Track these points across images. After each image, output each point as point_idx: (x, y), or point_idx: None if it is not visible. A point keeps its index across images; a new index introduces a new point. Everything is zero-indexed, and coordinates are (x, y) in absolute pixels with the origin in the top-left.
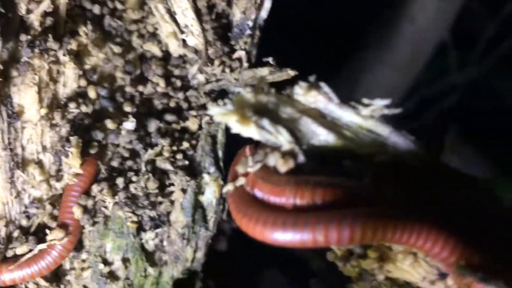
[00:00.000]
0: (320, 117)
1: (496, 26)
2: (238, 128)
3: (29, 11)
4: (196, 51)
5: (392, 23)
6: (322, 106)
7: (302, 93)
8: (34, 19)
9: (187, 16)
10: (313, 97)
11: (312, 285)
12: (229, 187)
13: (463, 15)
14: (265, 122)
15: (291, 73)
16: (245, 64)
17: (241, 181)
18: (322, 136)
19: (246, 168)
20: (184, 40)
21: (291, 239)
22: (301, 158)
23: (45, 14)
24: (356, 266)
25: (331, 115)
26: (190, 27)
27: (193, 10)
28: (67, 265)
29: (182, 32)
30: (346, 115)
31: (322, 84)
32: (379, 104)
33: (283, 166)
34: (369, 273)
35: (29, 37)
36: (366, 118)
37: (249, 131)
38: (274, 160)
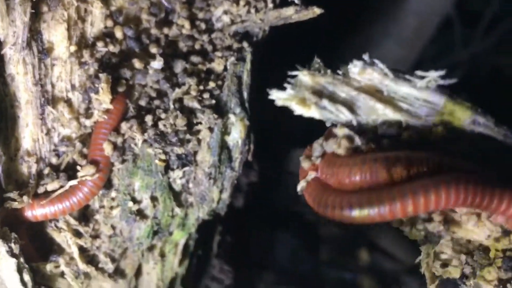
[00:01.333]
0: (377, 93)
1: (500, 2)
2: (300, 110)
3: None
4: None
5: None
6: (378, 82)
7: (357, 72)
8: None
9: None
10: (369, 74)
11: None
12: (302, 184)
13: None
14: (325, 102)
15: (317, 11)
16: (270, 5)
17: (311, 175)
18: (380, 110)
19: (311, 162)
20: None
21: (372, 215)
22: (357, 140)
23: None
24: (422, 229)
25: (387, 89)
26: None
27: None
28: (96, 204)
29: None
30: (402, 89)
31: (377, 61)
32: (434, 75)
33: (341, 149)
34: (435, 235)
35: None
36: (422, 89)
37: (310, 112)
38: (331, 146)
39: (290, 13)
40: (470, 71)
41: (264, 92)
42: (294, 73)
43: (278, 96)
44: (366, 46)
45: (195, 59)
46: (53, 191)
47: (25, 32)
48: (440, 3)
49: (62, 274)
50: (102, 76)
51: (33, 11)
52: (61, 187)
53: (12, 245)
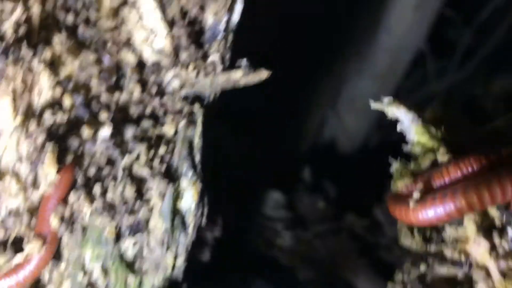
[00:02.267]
0: None
1: (472, 33)
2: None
3: (1, 21)
4: (169, 56)
5: (369, 33)
6: None
7: None
8: (8, 28)
9: (154, 18)
10: None
11: None
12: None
13: (439, 24)
14: None
15: (265, 74)
16: (219, 68)
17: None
18: None
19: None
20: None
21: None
22: None
23: (19, 23)
24: None
25: None
26: (157, 28)
27: (159, 10)
28: (45, 277)
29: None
30: None
31: None
32: None
33: None
34: None
35: (2, 45)
36: None
37: None
38: None
39: (238, 76)
40: (445, 101)
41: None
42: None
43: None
44: (340, 83)
45: (146, 123)
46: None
47: None
48: (410, 39)
49: None
50: (48, 146)
51: None
52: (8, 263)
53: None
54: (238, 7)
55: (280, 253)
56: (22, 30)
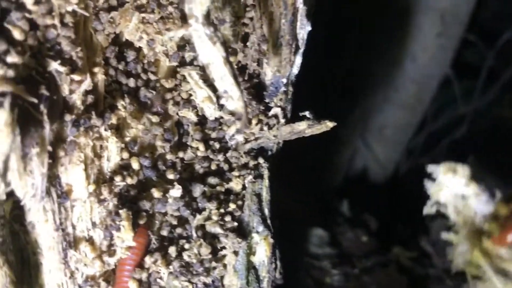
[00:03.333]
0: None
1: (495, 55)
2: None
3: (71, 91)
4: (232, 113)
5: (395, 63)
6: None
7: None
8: (77, 99)
9: (225, 82)
10: None
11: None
12: None
13: (462, 48)
14: None
15: (330, 124)
16: (282, 120)
17: None
18: None
19: None
20: (220, 104)
21: None
22: None
23: (86, 93)
24: None
25: None
26: (229, 92)
27: (232, 75)
28: None
29: (218, 97)
30: None
31: None
32: None
33: None
34: None
35: (73, 116)
36: None
37: None
38: None
39: (303, 128)
40: (473, 124)
41: None
42: None
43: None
44: (369, 112)
45: (212, 180)
46: None
47: (44, 183)
48: (435, 66)
49: None
50: (123, 212)
51: (50, 161)
52: None
53: None
54: (298, 61)
55: None
56: (89, 99)
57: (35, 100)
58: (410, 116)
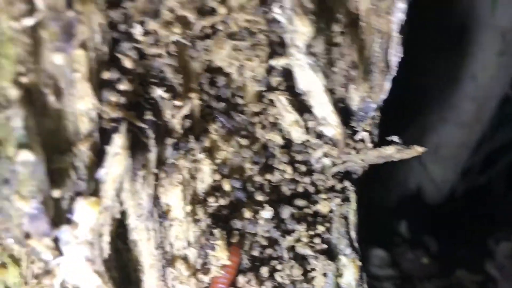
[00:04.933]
0: None
1: None
2: None
3: (172, 116)
4: (319, 136)
5: (454, 81)
6: None
7: None
8: (176, 123)
9: (325, 109)
10: None
11: None
12: None
13: None
14: None
15: (420, 150)
16: (369, 145)
17: None
18: None
19: None
20: (307, 128)
21: None
22: None
23: (185, 117)
24: None
25: None
26: (328, 118)
27: (331, 103)
28: None
29: (317, 123)
30: None
31: None
32: None
33: None
34: None
35: (174, 140)
36: None
37: None
38: None
39: (391, 152)
40: None
41: None
42: None
43: None
44: (424, 131)
45: (300, 202)
46: None
47: (150, 203)
48: (495, 85)
49: None
50: (217, 232)
51: (155, 183)
52: None
53: None
54: (387, 86)
55: None
56: (187, 124)
57: (144, 125)
58: (467, 135)
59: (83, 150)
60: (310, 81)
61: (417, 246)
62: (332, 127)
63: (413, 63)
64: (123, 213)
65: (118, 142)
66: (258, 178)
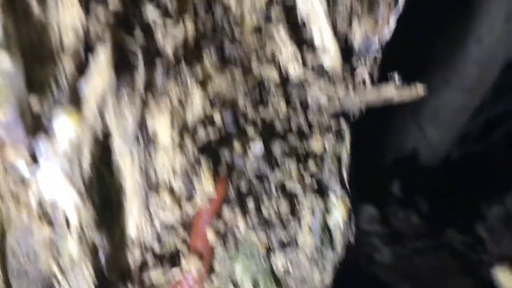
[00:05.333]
0: None
1: None
2: None
3: (164, 40)
4: (317, 73)
5: (458, 44)
6: None
7: None
8: (169, 48)
9: (324, 36)
10: None
11: None
12: None
13: None
14: None
15: (421, 89)
16: (369, 84)
17: None
18: None
19: None
20: (305, 62)
21: None
22: None
23: (177, 43)
24: None
25: None
26: (327, 47)
27: (331, 29)
28: None
29: (316, 56)
30: None
31: None
32: None
33: None
34: None
35: (165, 64)
36: None
37: None
38: None
39: (391, 92)
40: None
41: None
42: None
43: None
44: (427, 94)
45: (293, 139)
46: (158, 282)
47: (135, 125)
48: (500, 50)
49: None
50: (204, 162)
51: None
52: (165, 277)
53: None
54: (392, 24)
55: (380, 268)
56: (180, 50)
57: (133, 43)
58: (467, 100)
59: (66, 63)
60: (310, 5)
61: (408, 206)
62: (331, 57)
63: (419, 25)
64: (107, 136)
65: (102, 54)
66: (251, 113)
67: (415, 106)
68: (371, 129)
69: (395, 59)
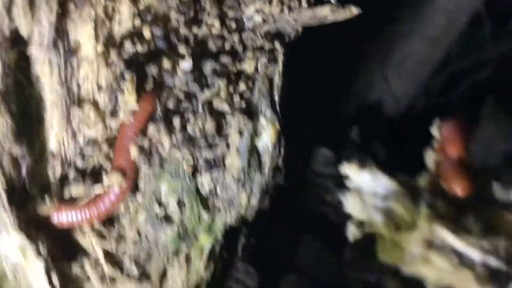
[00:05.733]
0: None
1: None
2: None
3: None
4: None
5: None
6: None
7: None
8: None
9: None
10: None
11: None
12: None
13: None
14: None
15: (355, 11)
16: (304, 4)
17: None
18: None
19: None
20: None
21: None
22: None
23: None
24: None
25: None
26: None
27: None
28: (121, 208)
29: None
30: None
31: None
32: None
33: None
34: None
35: None
36: None
37: None
38: None
39: (325, 13)
40: (499, 68)
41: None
42: None
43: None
44: (392, 42)
45: (225, 59)
46: (79, 197)
47: (51, 32)
48: (470, 1)
49: (88, 278)
50: (128, 75)
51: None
52: (87, 192)
53: (40, 245)
54: None
55: (329, 209)
56: None
57: None
58: (433, 50)
59: None
60: None
61: (365, 151)
62: None
63: None
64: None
65: None
66: (183, 30)
67: (382, 57)
68: (336, 79)
69: None
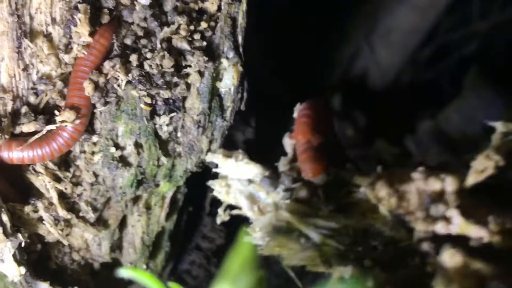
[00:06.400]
0: None
1: None
2: None
3: None
4: None
5: None
6: None
7: None
8: None
9: None
10: None
11: None
12: None
13: None
14: None
15: None
16: None
17: None
18: None
19: None
20: None
21: None
22: None
23: None
24: None
25: None
26: None
27: None
28: (77, 149)
29: None
30: None
31: None
32: None
33: None
34: None
35: None
36: None
37: None
38: None
39: None
40: (487, 42)
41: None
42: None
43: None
44: (380, 13)
45: None
46: (30, 133)
47: None
48: None
49: (41, 219)
50: (81, 6)
51: None
52: (39, 129)
53: None
54: None
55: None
56: None
57: None
58: (420, 20)
59: None
60: None
61: (345, 119)
62: None
63: None
64: None
65: None
66: None
67: (368, 26)
68: (321, 45)
69: None
